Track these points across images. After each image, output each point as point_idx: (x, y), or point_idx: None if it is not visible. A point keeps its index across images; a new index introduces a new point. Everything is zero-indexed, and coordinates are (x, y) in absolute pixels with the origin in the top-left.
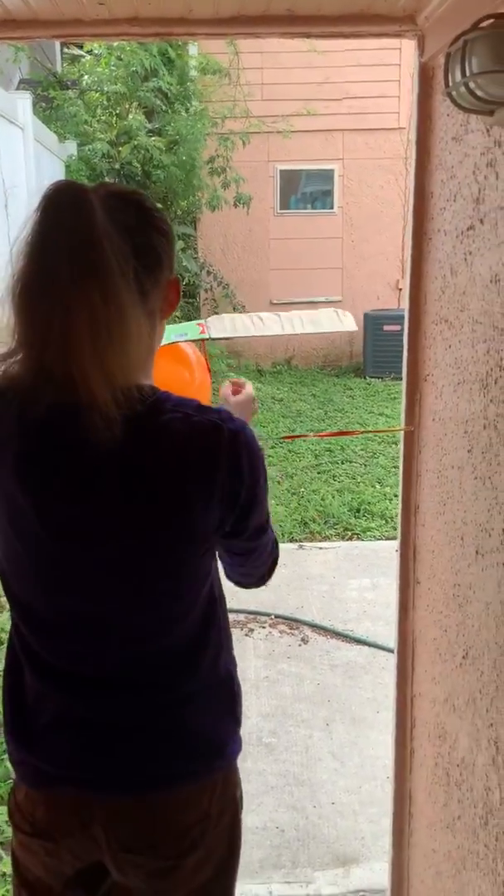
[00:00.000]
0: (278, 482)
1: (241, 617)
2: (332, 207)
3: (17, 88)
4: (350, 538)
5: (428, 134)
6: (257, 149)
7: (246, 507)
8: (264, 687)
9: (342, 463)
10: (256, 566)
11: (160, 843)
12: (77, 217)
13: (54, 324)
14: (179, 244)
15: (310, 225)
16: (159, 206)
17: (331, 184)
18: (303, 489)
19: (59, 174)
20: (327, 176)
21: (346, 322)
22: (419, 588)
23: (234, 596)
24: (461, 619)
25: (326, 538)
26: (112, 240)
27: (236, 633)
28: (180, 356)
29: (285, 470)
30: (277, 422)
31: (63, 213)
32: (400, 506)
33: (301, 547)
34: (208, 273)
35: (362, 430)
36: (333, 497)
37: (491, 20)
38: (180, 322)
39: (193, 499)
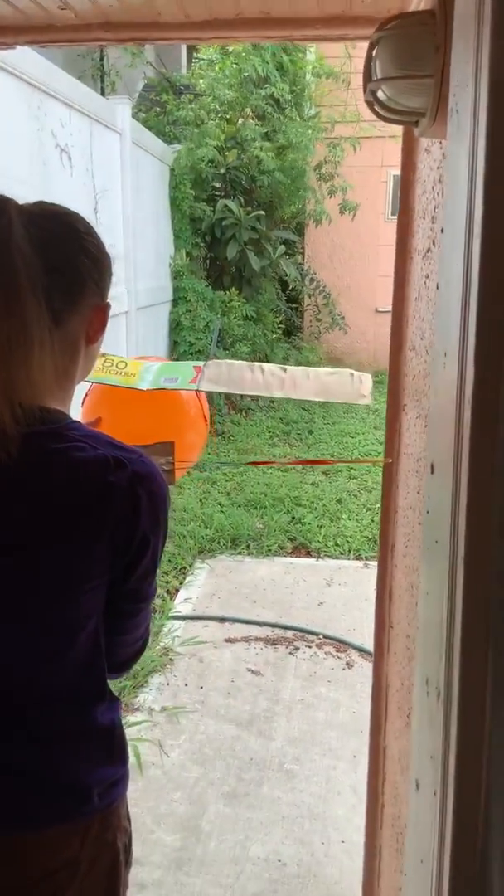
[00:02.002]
0: (355, 496)
1: (289, 634)
2: None
3: (141, 93)
4: None
5: (412, 144)
6: (370, 153)
7: (136, 557)
8: (297, 710)
9: None
10: (129, 641)
11: (24, 887)
12: None
13: None
14: (280, 249)
15: None
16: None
17: None
18: (379, 505)
19: (160, 178)
20: None
21: (360, 389)
22: (392, 632)
23: (286, 612)
24: (412, 672)
25: None
26: (24, 255)
27: (280, 651)
28: (169, 395)
29: (365, 484)
30: (368, 432)
31: None
32: (379, 542)
33: (366, 566)
34: (311, 280)
35: (341, 459)
36: None
37: (396, 21)
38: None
39: (79, 533)
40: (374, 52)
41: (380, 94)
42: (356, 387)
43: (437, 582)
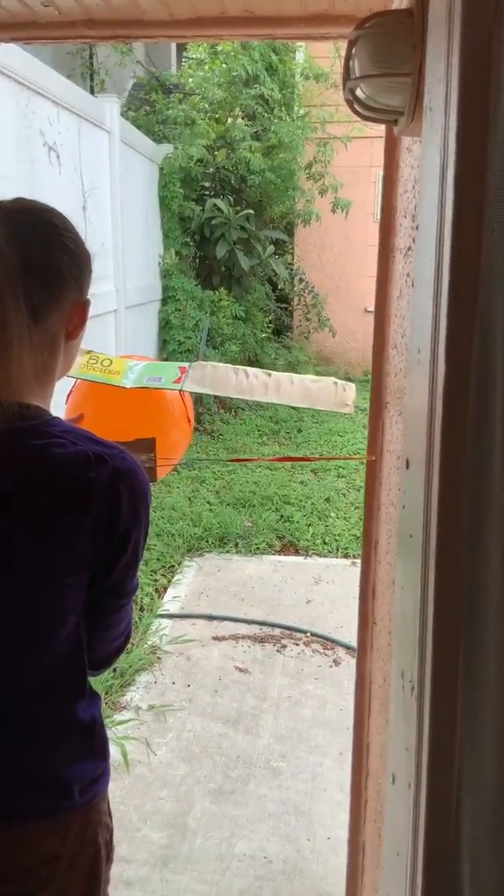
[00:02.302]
0: (344, 494)
1: (276, 632)
2: None
3: (130, 92)
4: None
5: (393, 143)
6: (359, 154)
7: (117, 552)
8: (284, 707)
9: None
10: (110, 638)
11: (4, 882)
12: None
13: None
14: (270, 249)
15: None
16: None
17: None
18: None
19: (149, 177)
20: None
21: (343, 398)
22: (375, 629)
23: (275, 610)
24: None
25: None
26: (1, 251)
27: (268, 649)
28: (152, 394)
29: (353, 482)
30: (357, 431)
31: None
32: (362, 540)
33: (354, 564)
34: (300, 280)
35: (324, 456)
36: None
37: (375, 19)
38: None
39: (59, 529)
40: (353, 51)
41: (359, 92)
42: (339, 395)
43: (411, 576)
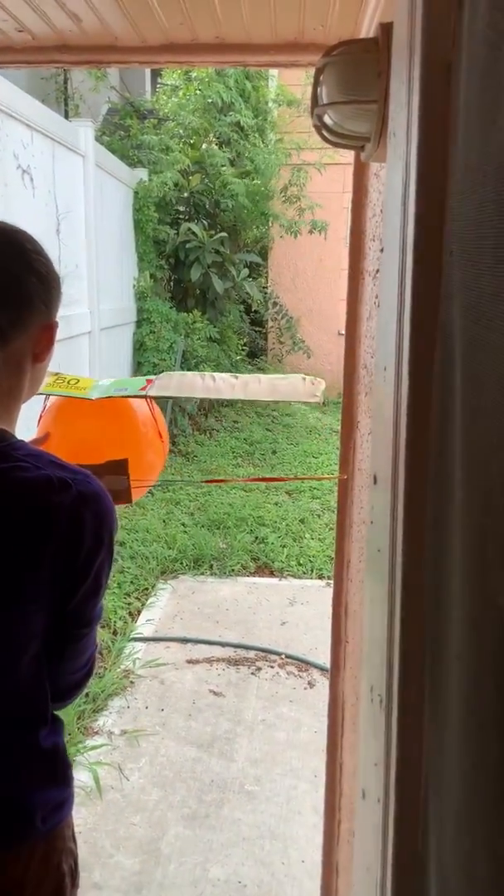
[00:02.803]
0: (318, 515)
1: (251, 654)
2: None
3: (104, 117)
4: None
5: (362, 169)
6: (331, 180)
7: (79, 579)
8: (259, 731)
9: None
10: (73, 669)
11: None
12: None
13: None
14: (244, 272)
15: None
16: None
17: None
18: None
19: (124, 201)
20: None
21: (312, 390)
22: (347, 647)
23: (249, 632)
24: None
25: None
26: None
27: (243, 671)
28: (122, 413)
29: (328, 504)
30: (331, 453)
31: None
32: (335, 558)
33: (329, 585)
34: (274, 304)
35: (297, 476)
36: None
37: (341, 48)
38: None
39: (19, 555)
40: (321, 78)
41: (326, 118)
42: (308, 388)
43: (378, 588)
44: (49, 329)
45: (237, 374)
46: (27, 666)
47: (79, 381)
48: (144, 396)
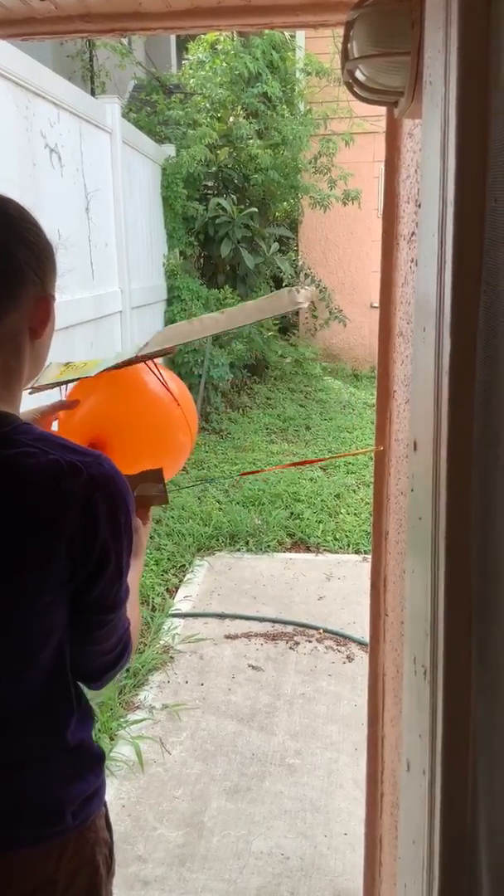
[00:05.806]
0: (354, 490)
1: (289, 629)
2: None
3: (131, 93)
4: None
5: (395, 129)
6: (361, 149)
7: (97, 567)
8: (298, 704)
9: None
10: (101, 652)
11: None
12: None
13: None
14: (275, 247)
15: None
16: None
17: None
18: None
19: (152, 178)
20: None
21: (296, 297)
22: (387, 620)
23: (286, 607)
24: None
25: None
26: None
27: (281, 646)
28: (127, 383)
29: (363, 478)
30: (365, 427)
31: None
32: (372, 531)
33: (365, 559)
34: (306, 276)
35: (333, 455)
36: None
37: None
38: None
39: (32, 545)
40: (351, 32)
41: (358, 73)
42: (291, 297)
43: (421, 559)
44: (45, 301)
45: (224, 311)
46: (47, 662)
47: (86, 363)
48: (141, 360)
